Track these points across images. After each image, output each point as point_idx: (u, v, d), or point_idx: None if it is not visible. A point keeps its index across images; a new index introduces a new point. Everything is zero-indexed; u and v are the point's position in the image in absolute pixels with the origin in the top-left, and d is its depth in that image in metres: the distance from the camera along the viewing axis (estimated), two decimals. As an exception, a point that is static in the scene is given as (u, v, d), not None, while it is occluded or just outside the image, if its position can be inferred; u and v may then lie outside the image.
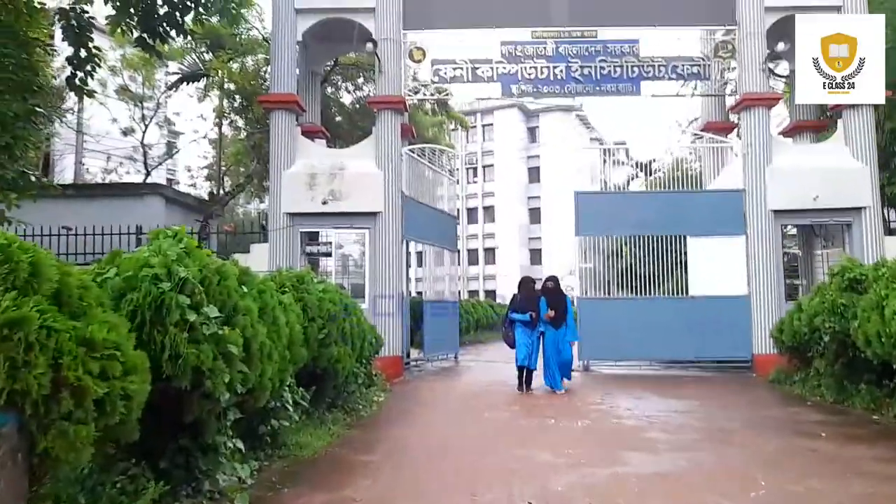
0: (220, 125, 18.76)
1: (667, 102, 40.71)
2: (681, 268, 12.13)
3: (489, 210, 61.44)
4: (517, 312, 9.60)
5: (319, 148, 12.42)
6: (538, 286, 10.32)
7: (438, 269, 14.36)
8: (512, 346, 9.64)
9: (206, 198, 16.65)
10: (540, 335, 9.58)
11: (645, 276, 12.15)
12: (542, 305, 9.51)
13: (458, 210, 15.26)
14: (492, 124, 61.60)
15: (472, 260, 59.74)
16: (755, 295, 11.65)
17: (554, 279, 9.95)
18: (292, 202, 11.71)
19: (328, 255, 12.06)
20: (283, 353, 5.28)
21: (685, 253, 12.01)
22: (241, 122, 18.28)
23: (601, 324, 11.97)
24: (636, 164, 18.00)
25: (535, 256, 61.91)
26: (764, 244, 11.70)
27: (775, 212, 11.75)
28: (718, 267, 11.81)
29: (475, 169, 60.83)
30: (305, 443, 5.86)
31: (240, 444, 4.56)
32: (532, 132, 63.70)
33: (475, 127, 60.49)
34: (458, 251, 15.43)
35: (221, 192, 17.96)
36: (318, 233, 12.68)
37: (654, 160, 19.25)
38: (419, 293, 14.45)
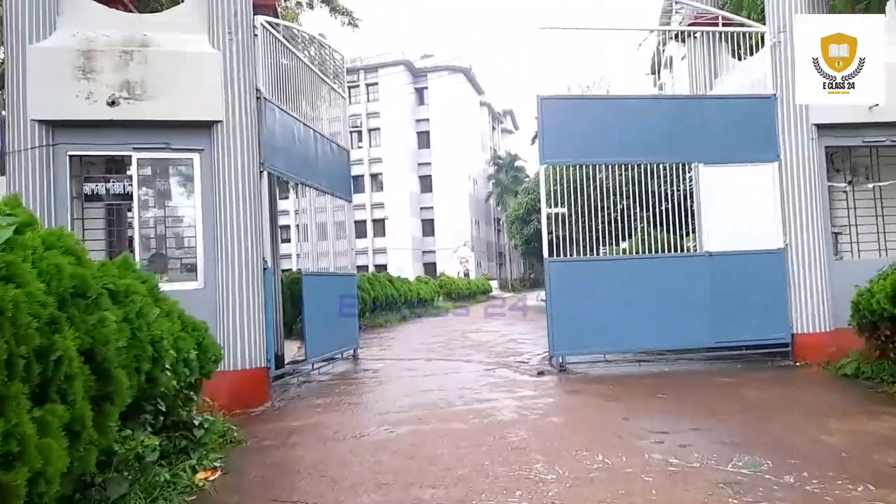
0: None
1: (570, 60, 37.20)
2: (689, 211, 8.26)
3: (377, 178, 56.28)
4: None
5: (104, 10, 7.10)
6: None
7: (325, 223, 9.58)
8: None
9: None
10: None
11: (639, 225, 8.13)
12: None
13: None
14: (377, 83, 56.18)
15: (360, 232, 54.45)
16: (794, 248, 8.04)
17: None
18: (49, 103, 6.42)
19: (127, 198, 6.89)
20: None
21: (689, 189, 8.14)
22: None
23: (579, 298, 7.85)
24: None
25: (428, 227, 57.95)
26: (805, 175, 8.09)
27: (818, 127, 8.16)
28: (741, 209, 8.09)
29: (360, 133, 55.13)
30: None
31: None
32: (420, 93, 59.07)
33: (358, 86, 55.08)
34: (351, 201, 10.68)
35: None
36: (120, 160, 7.49)
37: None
38: (298, 270, 9.61)
